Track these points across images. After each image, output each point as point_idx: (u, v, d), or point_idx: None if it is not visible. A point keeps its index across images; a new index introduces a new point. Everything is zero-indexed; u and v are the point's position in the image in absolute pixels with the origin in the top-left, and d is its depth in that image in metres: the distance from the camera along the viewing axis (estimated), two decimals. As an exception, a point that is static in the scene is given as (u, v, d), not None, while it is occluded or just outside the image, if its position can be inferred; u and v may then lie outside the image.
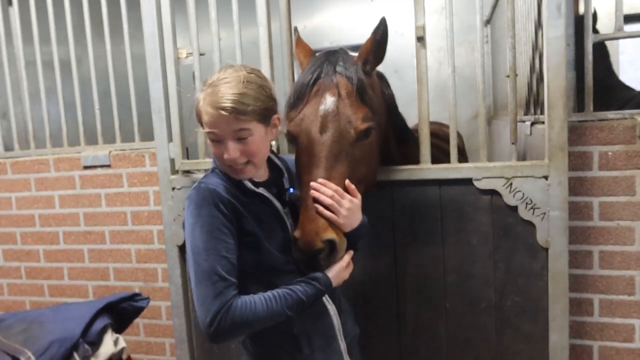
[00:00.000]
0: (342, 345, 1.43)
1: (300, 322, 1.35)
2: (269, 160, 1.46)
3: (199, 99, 1.28)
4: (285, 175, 1.48)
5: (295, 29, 1.76)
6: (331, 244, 1.31)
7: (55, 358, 1.70)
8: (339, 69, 1.45)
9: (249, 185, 1.34)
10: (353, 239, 1.39)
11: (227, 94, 1.23)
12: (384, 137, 1.67)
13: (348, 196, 1.35)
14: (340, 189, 1.34)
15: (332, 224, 1.32)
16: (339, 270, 1.35)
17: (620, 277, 1.83)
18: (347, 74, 1.43)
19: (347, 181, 1.37)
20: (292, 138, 1.46)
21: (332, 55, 1.51)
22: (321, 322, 1.39)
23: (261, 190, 1.35)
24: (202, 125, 1.29)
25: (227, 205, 1.25)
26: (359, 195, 1.39)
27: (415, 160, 1.83)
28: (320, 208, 1.31)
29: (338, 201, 1.32)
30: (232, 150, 1.26)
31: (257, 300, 1.23)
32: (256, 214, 1.32)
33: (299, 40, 1.71)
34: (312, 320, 1.38)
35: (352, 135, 1.40)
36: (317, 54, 1.61)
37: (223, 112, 1.22)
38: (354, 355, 1.50)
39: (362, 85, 1.44)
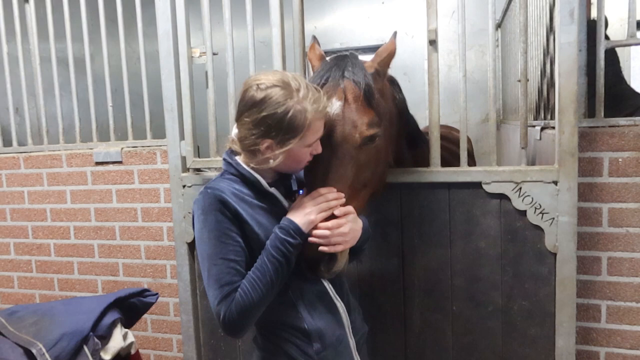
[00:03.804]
0: (352, 342, 1.44)
1: (311, 318, 1.37)
2: None
3: (301, 109, 1.26)
4: (293, 176, 1.51)
5: (314, 37, 1.77)
6: (330, 254, 1.33)
7: (66, 351, 1.73)
8: (347, 73, 1.45)
9: (265, 184, 1.36)
10: (357, 243, 1.40)
11: (324, 98, 1.34)
12: (396, 141, 1.68)
13: (342, 220, 1.32)
14: (337, 222, 1.31)
15: None
16: (303, 213, 1.31)
17: (629, 283, 1.82)
18: (355, 79, 1.44)
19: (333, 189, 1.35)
20: None
21: (342, 60, 1.51)
22: (331, 319, 1.41)
23: (273, 190, 1.38)
24: (296, 134, 1.27)
25: (231, 211, 1.28)
26: (351, 208, 1.37)
27: (426, 163, 1.84)
28: (325, 248, 1.30)
29: (339, 234, 1.31)
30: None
31: (249, 288, 1.25)
32: (262, 216, 1.34)
33: (313, 45, 1.72)
34: (322, 317, 1.39)
35: (357, 139, 1.40)
36: (327, 59, 1.62)
37: (325, 116, 1.34)
38: (362, 352, 1.51)
39: (370, 90, 1.44)
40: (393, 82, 1.76)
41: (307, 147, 1.31)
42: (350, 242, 1.35)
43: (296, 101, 1.26)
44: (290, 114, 1.25)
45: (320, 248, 1.29)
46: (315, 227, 1.30)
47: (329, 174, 1.37)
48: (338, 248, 1.31)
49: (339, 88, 1.44)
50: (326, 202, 1.31)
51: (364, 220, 1.44)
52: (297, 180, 1.52)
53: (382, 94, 1.54)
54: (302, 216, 1.30)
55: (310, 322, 1.37)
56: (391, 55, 1.58)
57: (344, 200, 1.35)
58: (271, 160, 1.31)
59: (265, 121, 1.26)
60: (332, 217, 1.33)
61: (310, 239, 1.30)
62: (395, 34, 1.65)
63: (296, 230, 1.28)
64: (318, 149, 1.35)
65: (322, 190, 1.33)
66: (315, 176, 1.39)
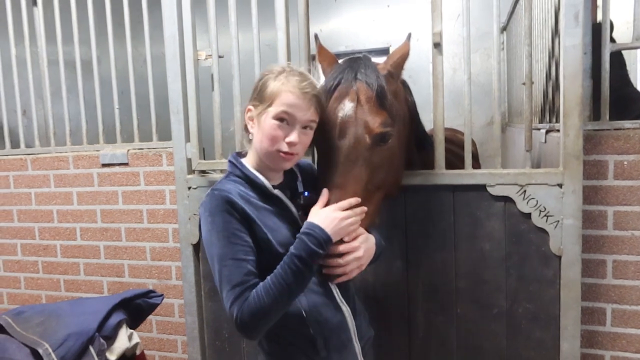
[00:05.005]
0: (357, 347, 1.43)
1: (316, 323, 1.36)
2: None
3: (272, 79, 1.33)
4: (300, 178, 1.50)
5: (316, 36, 1.77)
6: None
7: (72, 351, 1.74)
8: (359, 75, 1.46)
9: (269, 186, 1.36)
10: (373, 259, 1.42)
11: (316, 84, 1.36)
12: (407, 143, 1.68)
13: (355, 244, 1.33)
14: (351, 246, 1.32)
15: None
16: (332, 220, 1.28)
17: (634, 287, 1.82)
18: (368, 80, 1.44)
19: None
20: (313, 143, 1.47)
21: (354, 62, 1.52)
22: (336, 324, 1.40)
23: (277, 192, 1.37)
24: (266, 102, 1.32)
25: (239, 211, 1.28)
26: (360, 229, 1.37)
27: (431, 165, 1.84)
28: (345, 277, 1.34)
29: (354, 259, 1.32)
30: (298, 135, 1.32)
31: (264, 292, 1.23)
32: (268, 218, 1.33)
33: (321, 48, 1.72)
34: (327, 321, 1.38)
35: (367, 140, 1.41)
36: (340, 61, 1.63)
37: (309, 98, 1.31)
38: (368, 357, 1.50)
39: (382, 91, 1.44)
40: (404, 84, 1.76)
41: (275, 119, 1.30)
42: (366, 263, 1.37)
43: (276, 75, 1.34)
44: (266, 83, 1.34)
45: (340, 279, 1.32)
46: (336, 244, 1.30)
47: (343, 175, 1.37)
48: (354, 273, 1.33)
49: (351, 90, 1.44)
50: (354, 214, 1.32)
51: (375, 235, 1.44)
52: (303, 183, 1.51)
53: (395, 96, 1.53)
54: (336, 228, 1.27)
55: (315, 326, 1.36)
56: (404, 57, 1.59)
57: (365, 208, 1.35)
58: (250, 135, 1.37)
59: (252, 92, 1.39)
60: (341, 241, 1.32)
61: (325, 270, 1.31)
62: (409, 36, 1.66)
63: (327, 241, 1.26)
64: (292, 137, 1.30)
65: (344, 203, 1.31)
66: (329, 178, 1.39)
